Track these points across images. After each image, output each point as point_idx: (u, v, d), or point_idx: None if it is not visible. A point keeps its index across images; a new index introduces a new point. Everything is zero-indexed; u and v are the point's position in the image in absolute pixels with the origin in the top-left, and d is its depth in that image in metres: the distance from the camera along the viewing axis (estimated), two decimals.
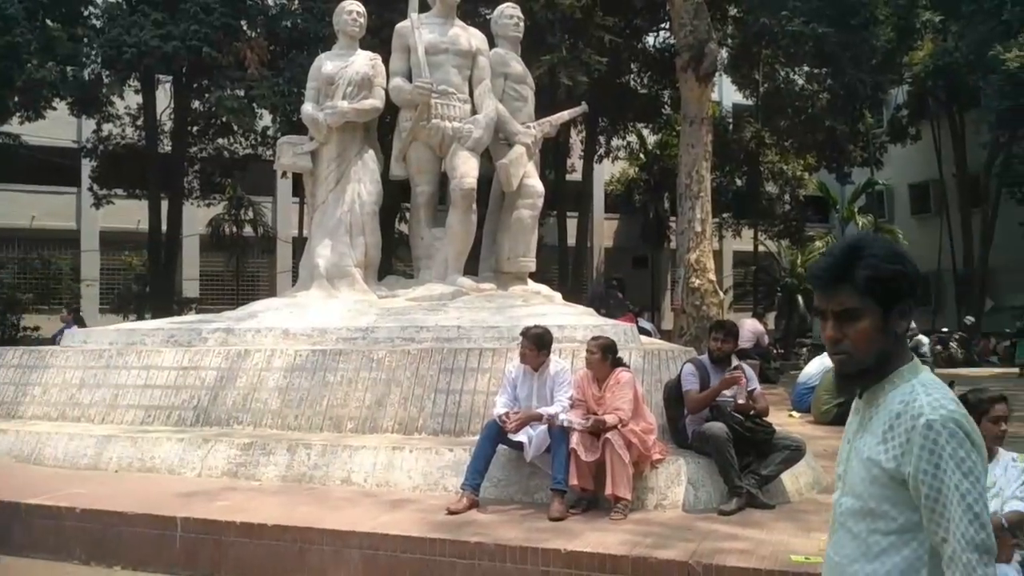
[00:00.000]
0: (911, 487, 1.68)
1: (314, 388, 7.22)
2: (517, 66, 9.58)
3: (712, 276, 11.99)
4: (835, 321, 1.77)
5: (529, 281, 9.54)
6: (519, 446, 5.79)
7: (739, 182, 25.43)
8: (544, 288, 9.70)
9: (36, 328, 19.68)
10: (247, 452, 6.60)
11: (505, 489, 5.88)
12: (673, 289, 13.98)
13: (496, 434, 5.74)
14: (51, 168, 23.79)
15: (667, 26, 19.03)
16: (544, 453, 5.72)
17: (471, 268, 9.54)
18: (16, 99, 16.34)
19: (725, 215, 25.78)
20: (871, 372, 1.77)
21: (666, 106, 22.41)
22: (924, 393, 1.71)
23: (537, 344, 5.89)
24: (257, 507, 5.61)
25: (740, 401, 5.87)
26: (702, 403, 5.97)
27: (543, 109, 10.43)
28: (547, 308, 8.41)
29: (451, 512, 5.41)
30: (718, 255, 18.92)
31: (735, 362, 6.20)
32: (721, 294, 12.62)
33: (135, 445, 6.99)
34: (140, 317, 18.62)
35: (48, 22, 16.31)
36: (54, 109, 17.60)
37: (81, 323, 15.76)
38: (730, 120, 25.08)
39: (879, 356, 1.76)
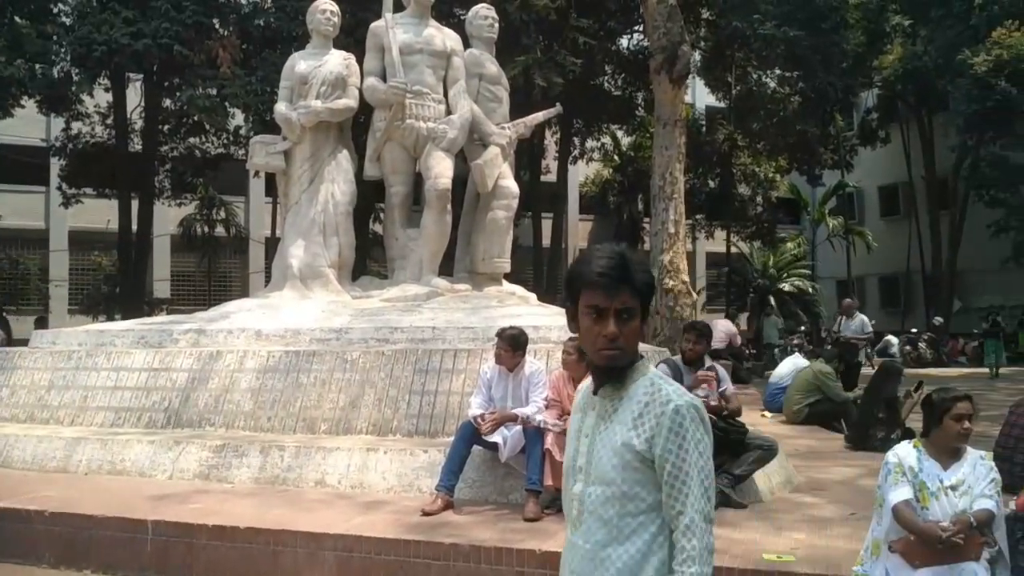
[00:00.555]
0: (657, 467, 1.88)
1: (287, 389, 7.18)
2: (492, 67, 9.59)
3: (685, 277, 12.07)
4: (616, 319, 1.90)
5: (504, 282, 9.54)
6: (494, 447, 5.80)
7: (712, 184, 25.61)
8: (519, 289, 9.72)
9: (9, 329, 19.35)
10: (219, 454, 6.55)
11: (480, 490, 5.88)
12: None
13: (471, 435, 5.75)
14: (19, 167, 23.43)
15: (641, 28, 19.12)
16: (519, 454, 5.73)
17: (446, 269, 9.53)
18: None
19: (698, 216, 25.95)
20: (630, 366, 1.96)
21: (640, 108, 22.52)
22: (665, 384, 1.95)
23: (513, 345, 5.90)
24: (230, 509, 5.57)
25: (712, 403, 5.91)
26: None
27: (518, 110, 10.45)
28: (522, 309, 8.43)
29: (426, 513, 5.40)
30: (691, 256, 19.05)
31: (708, 363, 6.25)
32: (694, 295, 12.70)
33: (105, 447, 6.91)
34: (110, 318, 18.39)
35: (16, 19, 16.07)
36: (22, 107, 17.33)
37: None
38: (703, 122, 25.25)
39: (636, 352, 1.97)
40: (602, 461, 1.94)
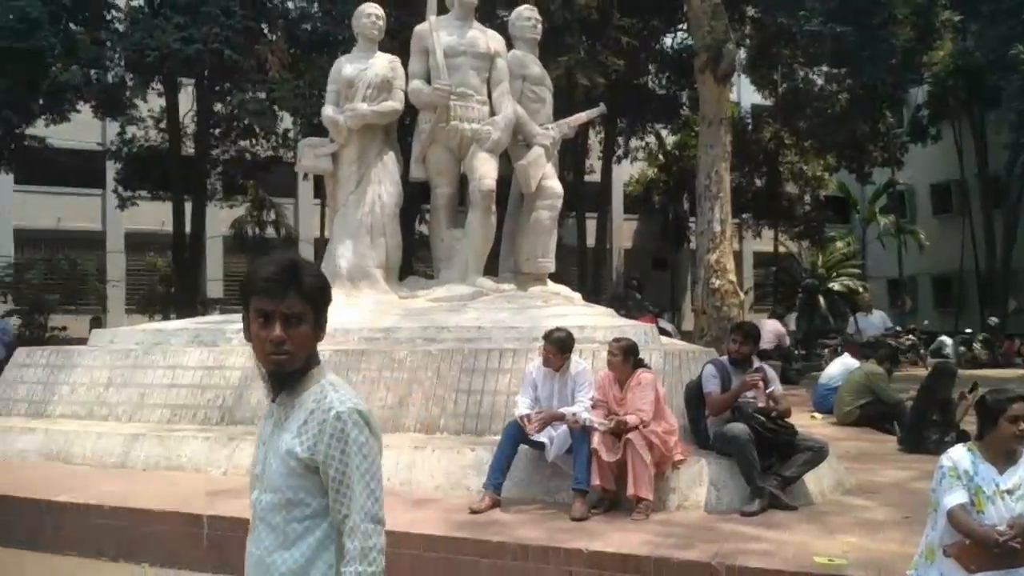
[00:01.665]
0: (322, 472, 1.91)
1: None
2: (535, 68, 9.62)
3: (732, 277, 11.99)
4: (283, 324, 1.92)
5: (548, 282, 9.57)
6: (540, 446, 5.83)
7: (759, 182, 25.33)
8: (564, 289, 9.74)
9: (63, 328, 19.90)
10: None
11: (527, 489, 5.92)
12: (693, 290, 13.97)
13: (517, 434, 5.79)
14: (76, 170, 24.08)
15: (685, 27, 19.01)
16: (565, 453, 5.76)
17: (491, 269, 9.59)
18: (41, 102, 16.56)
19: (745, 216, 25.69)
20: (301, 372, 1.98)
21: (684, 107, 22.38)
22: (332, 391, 1.95)
23: (560, 348, 5.93)
24: None
25: (760, 404, 5.88)
26: (723, 405, 5.99)
27: (561, 110, 10.47)
28: (567, 309, 8.45)
29: (474, 511, 5.46)
30: (738, 256, 18.86)
31: (756, 363, 6.22)
32: (741, 295, 12.60)
33: (162, 444, 7.10)
34: (165, 317, 18.81)
35: (71, 26, 16.52)
36: (78, 112, 17.82)
37: None
38: (749, 121, 24.99)
39: (308, 357, 1.98)
40: (272, 468, 1.97)
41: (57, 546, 5.92)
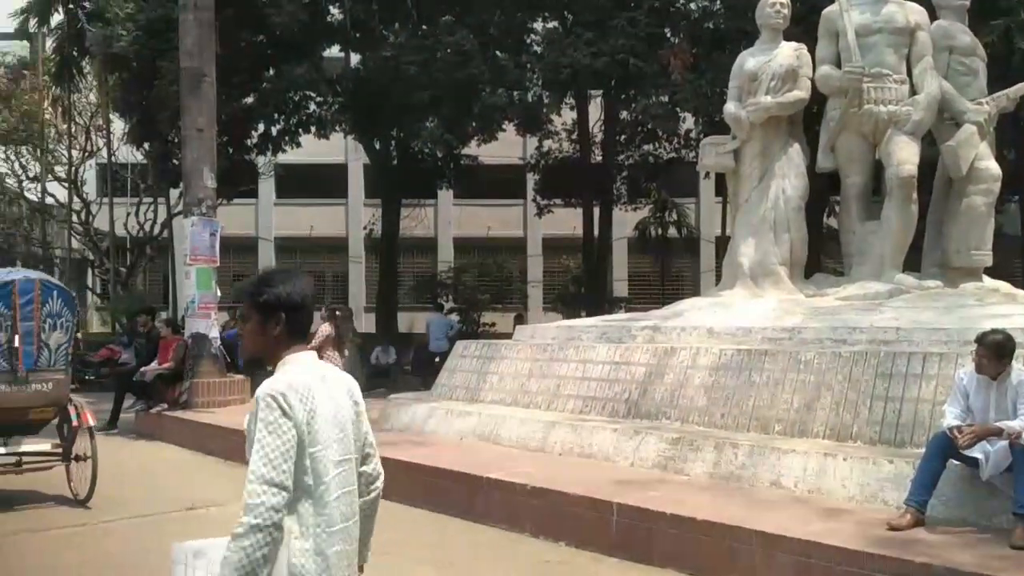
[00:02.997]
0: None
1: (740, 388, 7.18)
2: (964, 37, 8.58)
3: None
4: (241, 321, 2.57)
5: (984, 277, 8.46)
6: (974, 463, 5.16)
7: None
8: (1003, 285, 8.55)
9: (492, 324, 22.33)
10: (675, 447, 6.79)
11: (956, 509, 5.27)
12: None
13: (945, 448, 5.18)
14: (501, 184, 26.82)
15: None
16: (1005, 472, 5.02)
17: (910, 264, 8.74)
18: (474, 124, 18.70)
19: None
20: (255, 361, 2.56)
21: None
22: (270, 377, 2.40)
23: (997, 353, 5.20)
24: (687, 500, 5.75)
25: None
26: None
27: (996, 82, 9.17)
28: (1008, 308, 7.38)
29: (892, 528, 5.00)
30: None
31: None
32: None
33: (575, 432, 7.59)
34: (576, 315, 20.15)
35: (497, 53, 18.40)
36: (504, 131, 19.80)
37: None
38: None
39: (259, 349, 2.51)
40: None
41: (485, 517, 6.63)
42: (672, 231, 26.51)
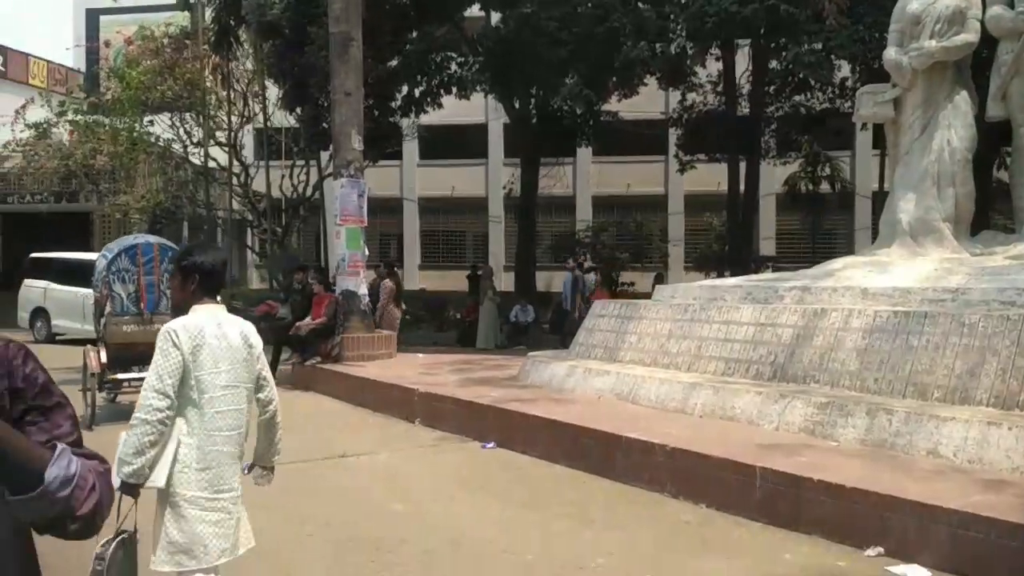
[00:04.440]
0: None
1: (895, 352, 6.81)
2: None
3: None
4: (170, 279, 3.87)
5: None
6: None
7: None
8: None
9: (631, 283, 22.16)
10: (824, 411, 6.55)
11: None
12: None
13: None
14: (642, 139, 26.36)
15: None
16: None
17: None
18: (614, 79, 18.40)
19: None
20: (177, 308, 3.51)
21: None
22: (174, 320, 3.39)
23: None
24: (836, 467, 5.54)
25: None
26: None
27: None
28: None
29: None
30: None
31: None
32: None
33: (717, 394, 7.45)
34: (720, 275, 19.67)
35: (639, 4, 17.96)
36: (645, 84, 19.39)
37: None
38: None
39: (179, 301, 3.47)
40: None
41: (624, 476, 6.63)
42: (824, 186, 25.34)
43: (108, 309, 9.68)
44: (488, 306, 17.51)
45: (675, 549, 5.23)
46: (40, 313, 19.64)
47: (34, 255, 20.43)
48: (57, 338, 18.80)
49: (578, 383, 9.07)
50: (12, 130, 23.82)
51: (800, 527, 5.30)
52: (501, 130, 28.41)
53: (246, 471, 3.69)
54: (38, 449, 1.41)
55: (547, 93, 18.99)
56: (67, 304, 18.62)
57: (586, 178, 29.33)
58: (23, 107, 24.23)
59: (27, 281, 20.15)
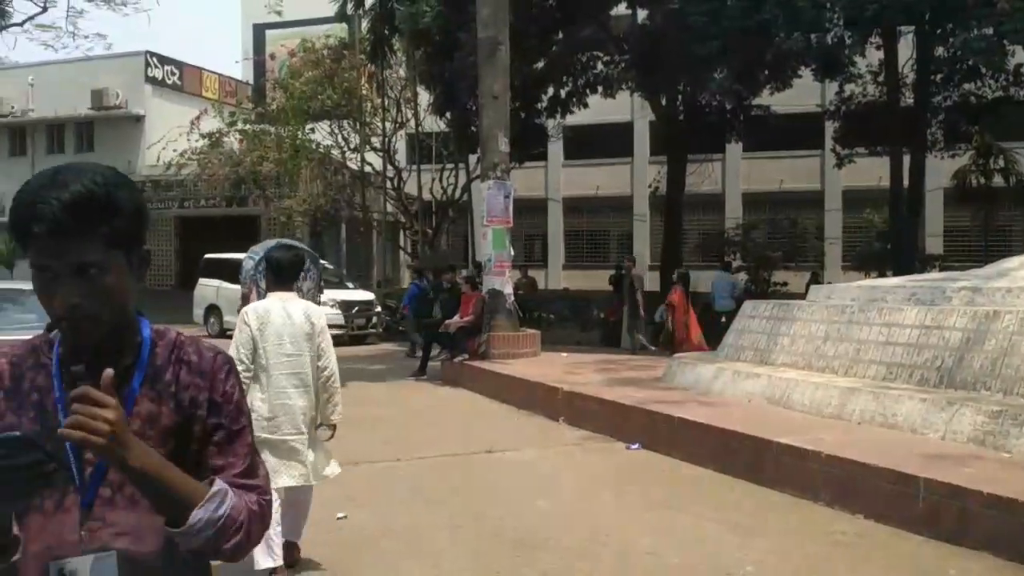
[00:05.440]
0: None
1: None
2: None
3: None
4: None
5: None
6: None
7: None
8: None
9: (784, 283, 21.38)
10: (996, 420, 6.09)
11: None
12: None
13: None
14: (795, 133, 25.35)
15: None
16: None
17: None
18: (766, 72, 17.81)
19: None
20: (246, 298, 6.49)
21: None
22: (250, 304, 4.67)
23: None
24: (1008, 479, 5.15)
25: None
26: None
27: None
28: None
29: None
30: None
31: None
32: None
33: (877, 400, 7.08)
34: (881, 274, 18.66)
35: None
36: (799, 77, 18.65)
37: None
38: None
39: (267, 289, 4.88)
40: None
41: (774, 482, 6.41)
42: (997, 179, 23.51)
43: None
44: (633, 306, 17.36)
45: (830, 559, 5.02)
46: (213, 310, 21.11)
47: (207, 256, 21.95)
48: (227, 333, 20.15)
49: (726, 386, 8.85)
50: (188, 140, 25.70)
51: (966, 542, 4.96)
52: (647, 128, 28.07)
53: (317, 427, 4.74)
54: (192, 485, 1.42)
55: (695, 89, 18.63)
56: (237, 301, 19.91)
57: (736, 174, 28.53)
58: (197, 118, 26.14)
59: (202, 280, 21.71)
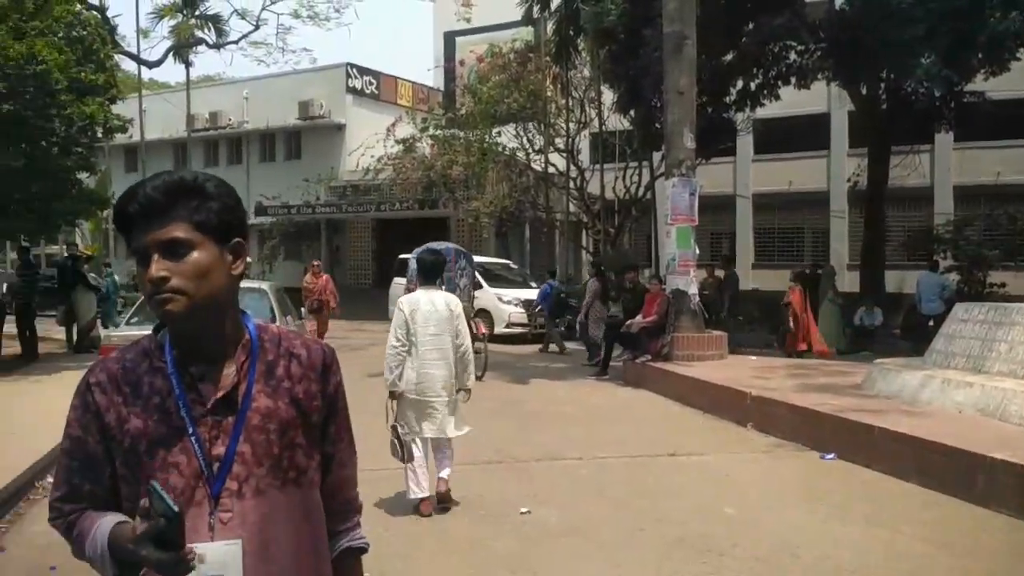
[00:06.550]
0: None
1: None
2: None
3: None
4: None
5: None
6: None
7: None
8: None
9: (1003, 284, 19.57)
10: None
11: None
12: None
13: None
14: (1015, 121, 23.14)
15: None
16: None
17: None
18: (979, 56, 16.36)
19: None
20: (410, 290, 7.09)
21: None
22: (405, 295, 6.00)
23: None
24: None
25: None
26: None
27: None
28: None
29: None
30: None
31: None
32: None
33: None
34: None
35: None
36: (1018, 59, 17.01)
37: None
38: None
39: (416, 285, 6.27)
40: None
41: (987, 500, 5.88)
42: None
43: None
44: (829, 308, 16.51)
45: None
46: None
47: (400, 256, 23.01)
48: None
49: (934, 395, 8.21)
50: (384, 146, 27.06)
51: None
52: (845, 118, 26.52)
53: (456, 391, 5.88)
54: None
55: (899, 76, 17.41)
56: None
57: (946, 166, 26.37)
58: (392, 125, 27.45)
59: (396, 279, 22.77)
